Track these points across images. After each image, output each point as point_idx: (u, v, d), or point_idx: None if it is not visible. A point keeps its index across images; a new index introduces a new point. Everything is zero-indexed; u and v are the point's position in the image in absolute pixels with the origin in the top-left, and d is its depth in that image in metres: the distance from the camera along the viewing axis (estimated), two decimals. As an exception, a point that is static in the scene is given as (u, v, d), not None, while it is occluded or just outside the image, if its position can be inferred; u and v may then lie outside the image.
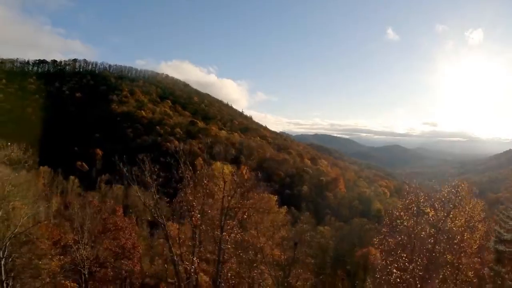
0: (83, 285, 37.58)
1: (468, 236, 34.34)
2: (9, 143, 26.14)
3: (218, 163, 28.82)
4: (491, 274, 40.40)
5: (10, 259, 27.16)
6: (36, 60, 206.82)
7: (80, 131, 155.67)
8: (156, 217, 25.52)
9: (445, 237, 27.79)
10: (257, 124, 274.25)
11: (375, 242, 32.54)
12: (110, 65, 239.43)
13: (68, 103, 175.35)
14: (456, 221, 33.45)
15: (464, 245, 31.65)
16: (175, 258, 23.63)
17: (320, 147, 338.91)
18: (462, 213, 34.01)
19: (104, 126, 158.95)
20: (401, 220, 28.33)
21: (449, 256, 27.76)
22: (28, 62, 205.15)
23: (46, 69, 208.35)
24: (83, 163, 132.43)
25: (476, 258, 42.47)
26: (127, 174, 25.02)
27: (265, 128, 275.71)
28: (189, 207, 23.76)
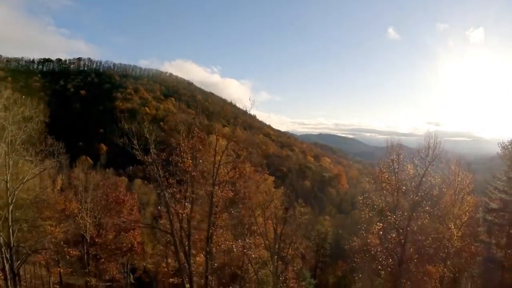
0: (85, 253, 38.93)
1: (459, 206, 35.31)
2: (23, 96, 27.49)
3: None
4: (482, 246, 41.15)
5: (16, 223, 28.50)
6: (41, 59, 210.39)
7: (84, 127, 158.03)
8: (153, 172, 26.70)
9: (425, 189, 28.82)
10: (260, 122, 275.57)
11: (360, 201, 33.55)
12: (114, 64, 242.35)
13: (72, 100, 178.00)
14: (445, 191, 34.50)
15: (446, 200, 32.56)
16: (168, 202, 24.89)
17: (324, 146, 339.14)
18: (450, 185, 35.08)
19: (108, 122, 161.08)
20: (385, 182, 29.48)
21: (427, 207, 28.79)
22: (33, 61, 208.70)
23: (51, 68, 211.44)
24: (88, 158, 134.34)
25: (467, 231, 43.34)
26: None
27: (269, 127, 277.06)
28: (182, 153, 24.97)
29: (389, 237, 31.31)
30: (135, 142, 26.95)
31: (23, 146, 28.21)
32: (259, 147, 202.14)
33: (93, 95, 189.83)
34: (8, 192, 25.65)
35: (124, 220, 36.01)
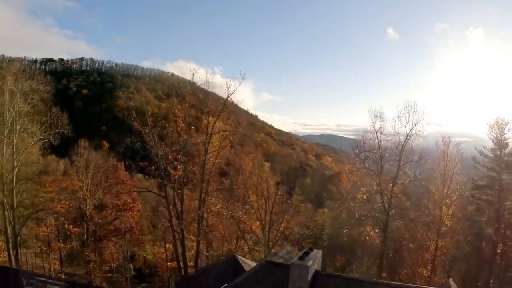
0: (85, 229, 40.21)
1: (448, 185, 36.43)
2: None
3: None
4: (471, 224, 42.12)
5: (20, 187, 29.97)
6: (44, 58, 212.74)
7: (87, 125, 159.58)
8: (149, 139, 28.11)
9: (408, 154, 29.97)
10: (262, 122, 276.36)
11: (347, 170, 34.81)
12: (116, 64, 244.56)
13: (75, 99, 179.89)
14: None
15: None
16: (161, 163, 26.34)
17: (325, 146, 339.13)
18: (439, 165, 36.21)
19: (110, 120, 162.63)
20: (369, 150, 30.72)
21: (410, 172, 29.97)
22: (35, 61, 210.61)
23: (53, 67, 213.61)
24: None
25: (457, 212, 44.33)
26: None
27: (270, 126, 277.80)
28: (175, 117, 26.49)
29: (376, 206, 32.54)
30: (133, 112, 28.72)
31: (30, 117, 30.02)
32: (260, 145, 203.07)
33: (95, 94, 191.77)
34: (14, 155, 27.38)
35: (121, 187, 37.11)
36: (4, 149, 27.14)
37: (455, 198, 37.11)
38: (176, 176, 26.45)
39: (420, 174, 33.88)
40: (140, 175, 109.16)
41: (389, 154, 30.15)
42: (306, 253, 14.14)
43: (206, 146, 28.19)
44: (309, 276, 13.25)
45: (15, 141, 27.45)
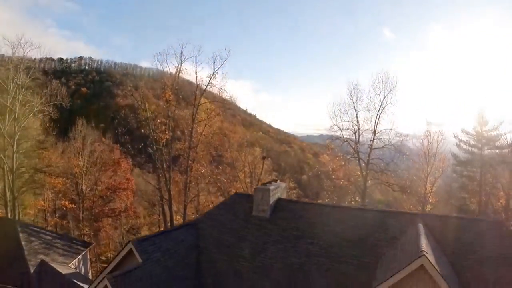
0: (81, 206, 41.88)
1: (432, 162, 38.20)
2: None
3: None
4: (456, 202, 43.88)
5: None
6: (43, 58, 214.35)
7: (86, 122, 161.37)
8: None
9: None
10: (260, 121, 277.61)
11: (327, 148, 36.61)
12: (115, 63, 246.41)
13: (74, 97, 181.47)
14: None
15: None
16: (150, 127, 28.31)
17: (323, 146, 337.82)
18: (422, 142, 37.94)
19: (109, 117, 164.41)
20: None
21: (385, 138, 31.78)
22: (34, 60, 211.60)
23: (52, 66, 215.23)
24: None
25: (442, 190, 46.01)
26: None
27: (268, 125, 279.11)
28: (164, 87, 28.61)
29: (356, 174, 34.33)
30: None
31: (31, 90, 32.41)
32: (257, 142, 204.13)
33: (94, 92, 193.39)
34: (16, 122, 29.70)
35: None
36: (7, 116, 29.44)
37: (438, 175, 38.92)
38: (163, 140, 28.55)
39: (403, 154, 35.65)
40: (137, 170, 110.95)
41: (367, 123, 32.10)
42: (269, 182, 16.01)
43: (194, 116, 30.33)
44: (271, 200, 15.09)
45: (17, 108, 29.81)
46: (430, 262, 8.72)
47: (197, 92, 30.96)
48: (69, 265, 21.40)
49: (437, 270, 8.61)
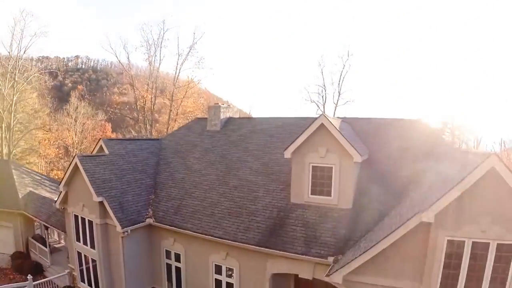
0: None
1: None
2: None
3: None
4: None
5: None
6: (39, 56, 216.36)
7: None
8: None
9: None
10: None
11: None
12: (111, 62, 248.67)
13: (70, 94, 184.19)
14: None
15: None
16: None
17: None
18: None
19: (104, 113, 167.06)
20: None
21: None
22: (31, 59, 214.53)
23: (49, 65, 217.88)
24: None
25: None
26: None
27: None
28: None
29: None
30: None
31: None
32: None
33: (90, 90, 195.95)
34: (15, 83, 32.86)
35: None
36: (8, 78, 32.66)
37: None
38: (146, 99, 32.12)
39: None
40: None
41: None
42: (223, 104, 18.83)
43: (175, 81, 33.70)
44: (222, 116, 17.95)
45: (16, 71, 33.00)
46: (328, 119, 11.36)
47: (178, 62, 34.26)
48: (55, 199, 24.10)
49: (335, 126, 11.18)
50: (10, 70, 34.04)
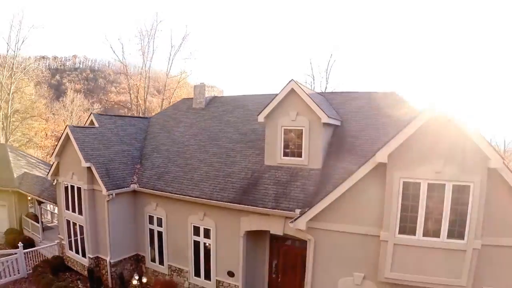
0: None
1: None
2: None
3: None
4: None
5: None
6: (37, 56, 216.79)
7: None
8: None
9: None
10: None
11: None
12: (109, 62, 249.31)
13: (68, 93, 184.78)
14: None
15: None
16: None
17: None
18: None
19: (102, 112, 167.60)
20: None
21: None
22: (29, 58, 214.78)
23: (47, 64, 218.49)
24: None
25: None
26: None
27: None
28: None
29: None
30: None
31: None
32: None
33: (88, 89, 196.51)
34: (13, 72, 33.82)
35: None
36: (6, 68, 33.64)
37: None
38: (140, 86, 33.20)
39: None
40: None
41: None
42: (209, 86, 19.63)
43: (168, 71, 34.74)
44: (207, 94, 18.77)
45: (14, 61, 33.93)
46: (298, 85, 12.17)
47: (171, 53, 35.38)
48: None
49: (304, 91, 12.03)
50: (9, 60, 34.96)
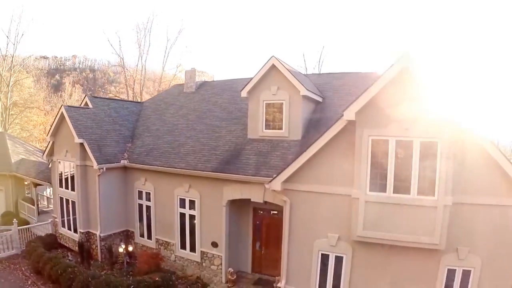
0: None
1: None
2: None
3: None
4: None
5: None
6: (37, 56, 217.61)
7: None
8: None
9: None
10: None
11: None
12: (108, 61, 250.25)
13: (68, 93, 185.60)
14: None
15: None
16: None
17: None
18: None
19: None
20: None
21: None
22: (29, 58, 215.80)
23: (47, 64, 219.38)
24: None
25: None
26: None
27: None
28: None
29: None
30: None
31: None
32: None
33: (88, 88, 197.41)
34: (12, 65, 34.60)
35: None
36: (5, 60, 34.37)
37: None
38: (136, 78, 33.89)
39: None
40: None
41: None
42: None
43: (164, 64, 35.49)
44: (197, 79, 19.36)
45: (13, 54, 34.74)
46: (278, 60, 12.73)
47: (167, 47, 36.10)
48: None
49: (283, 66, 12.56)
50: (8, 53, 35.63)
